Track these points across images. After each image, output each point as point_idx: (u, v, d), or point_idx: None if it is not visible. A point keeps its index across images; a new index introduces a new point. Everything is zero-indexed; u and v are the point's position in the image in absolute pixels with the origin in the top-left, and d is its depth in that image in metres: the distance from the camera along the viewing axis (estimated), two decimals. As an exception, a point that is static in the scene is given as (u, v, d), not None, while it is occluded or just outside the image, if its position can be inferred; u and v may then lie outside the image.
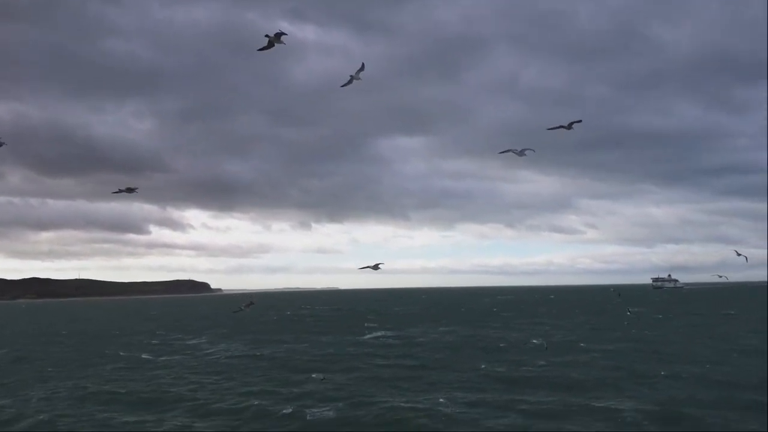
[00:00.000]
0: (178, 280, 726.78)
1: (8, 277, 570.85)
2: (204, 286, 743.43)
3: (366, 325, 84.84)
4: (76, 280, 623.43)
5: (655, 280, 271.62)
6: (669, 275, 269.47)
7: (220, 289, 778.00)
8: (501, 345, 54.58)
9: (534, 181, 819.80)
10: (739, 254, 32.29)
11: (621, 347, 50.45)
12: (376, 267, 23.41)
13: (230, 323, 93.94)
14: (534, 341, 52.88)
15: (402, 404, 29.68)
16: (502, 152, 22.22)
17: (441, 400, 30.44)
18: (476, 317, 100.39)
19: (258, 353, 52.28)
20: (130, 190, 23.10)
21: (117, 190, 23.16)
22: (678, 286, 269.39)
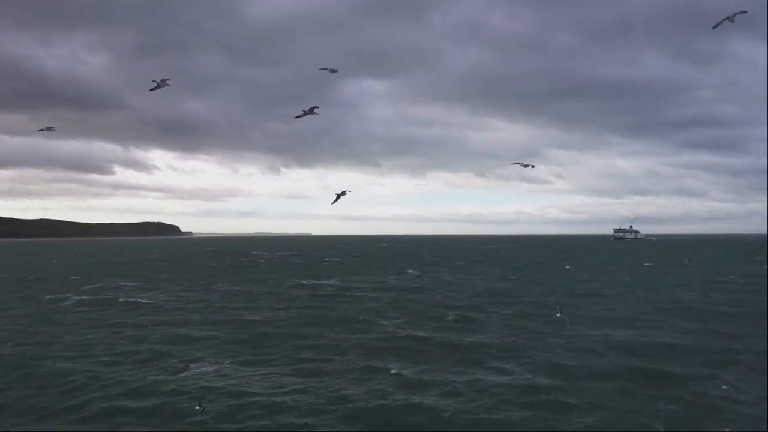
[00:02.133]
0: (146, 222, 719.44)
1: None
2: (173, 229, 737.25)
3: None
4: (40, 220, 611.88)
5: (617, 231, 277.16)
6: (630, 227, 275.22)
7: (190, 232, 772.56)
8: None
9: (502, 129, 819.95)
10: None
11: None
12: (342, 194, 23.88)
13: (166, 270, 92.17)
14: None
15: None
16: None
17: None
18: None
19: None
20: (162, 82, 21.38)
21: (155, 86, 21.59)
22: (639, 237, 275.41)
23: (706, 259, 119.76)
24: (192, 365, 27.37)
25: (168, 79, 21.46)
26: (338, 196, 23.94)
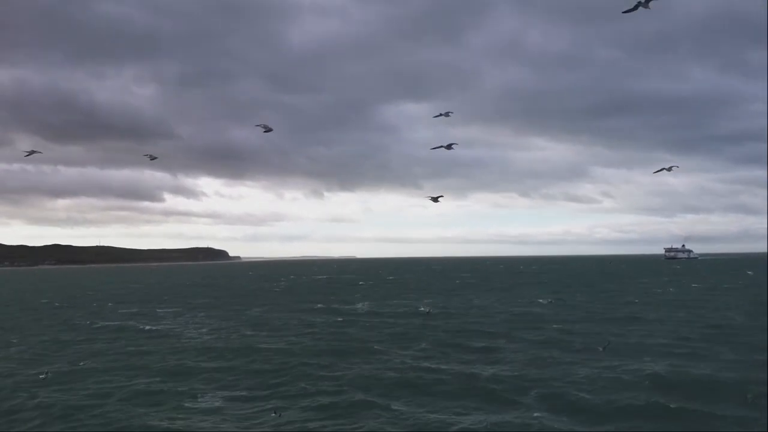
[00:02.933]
0: (196, 248, 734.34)
1: (30, 244, 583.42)
2: (222, 254, 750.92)
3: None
4: (96, 246, 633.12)
5: (668, 250, 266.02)
6: (683, 246, 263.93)
7: (238, 257, 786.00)
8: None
9: (546, 149, 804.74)
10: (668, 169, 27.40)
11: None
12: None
13: (204, 295, 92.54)
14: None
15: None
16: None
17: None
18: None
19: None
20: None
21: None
22: (692, 256, 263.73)
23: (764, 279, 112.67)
24: (187, 401, 26.09)
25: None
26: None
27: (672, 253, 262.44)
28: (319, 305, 69.57)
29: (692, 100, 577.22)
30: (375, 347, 38.47)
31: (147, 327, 51.39)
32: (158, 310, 67.00)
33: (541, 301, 70.60)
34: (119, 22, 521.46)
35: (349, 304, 71.86)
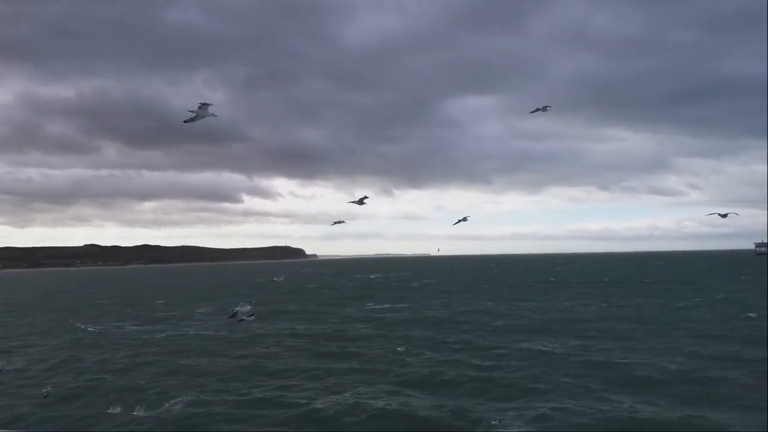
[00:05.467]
0: (274, 246, 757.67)
1: (122, 244, 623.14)
2: (299, 252, 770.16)
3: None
4: (181, 247, 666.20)
5: (758, 245, 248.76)
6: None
7: (315, 255, 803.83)
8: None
9: (623, 139, 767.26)
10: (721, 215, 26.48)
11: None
12: (463, 219, 25.43)
13: (260, 294, 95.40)
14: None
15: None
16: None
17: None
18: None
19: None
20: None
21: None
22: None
23: None
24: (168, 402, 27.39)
25: (211, 104, 19.29)
26: (459, 221, 25.52)
27: (763, 248, 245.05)
28: (369, 305, 70.31)
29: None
30: (395, 349, 38.80)
31: (164, 333, 53.82)
32: (198, 311, 70.16)
33: (600, 304, 68.31)
34: (185, 29, 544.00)
35: (396, 302, 72.27)
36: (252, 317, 25.33)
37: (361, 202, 23.43)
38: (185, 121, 19.08)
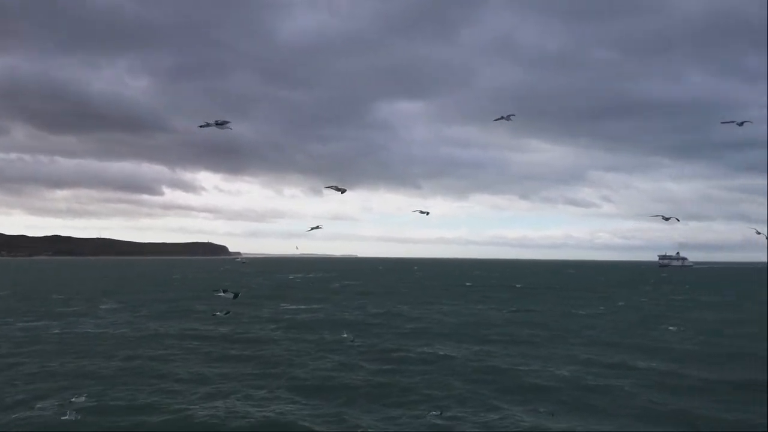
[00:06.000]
0: (195, 242, 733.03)
1: (30, 234, 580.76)
2: (222, 249, 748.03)
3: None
4: (96, 239, 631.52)
5: (662, 257, 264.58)
6: (677, 253, 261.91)
7: (239, 253, 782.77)
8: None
9: (544, 151, 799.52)
10: (759, 233, 28.44)
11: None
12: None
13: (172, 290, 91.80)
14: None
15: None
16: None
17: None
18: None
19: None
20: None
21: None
22: (686, 264, 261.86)
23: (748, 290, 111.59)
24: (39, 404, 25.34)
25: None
26: (421, 212, 26.66)
27: (666, 261, 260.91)
28: (284, 305, 68.78)
29: (691, 104, 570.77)
30: (291, 358, 37.75)
31: (58, 331, 50.56)
32: (103, 307, 66.44)
33: (509, 309, 69.63)
34: (109, 12, 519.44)
35: (311, 304, 71.12)
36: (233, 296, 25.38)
37: (339, 189, 23.82)
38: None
